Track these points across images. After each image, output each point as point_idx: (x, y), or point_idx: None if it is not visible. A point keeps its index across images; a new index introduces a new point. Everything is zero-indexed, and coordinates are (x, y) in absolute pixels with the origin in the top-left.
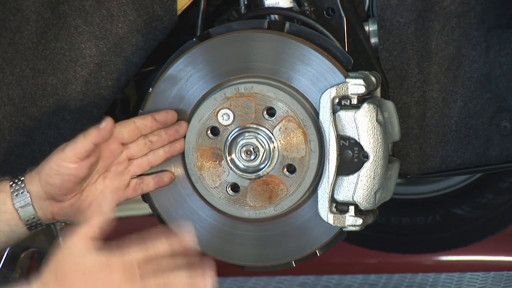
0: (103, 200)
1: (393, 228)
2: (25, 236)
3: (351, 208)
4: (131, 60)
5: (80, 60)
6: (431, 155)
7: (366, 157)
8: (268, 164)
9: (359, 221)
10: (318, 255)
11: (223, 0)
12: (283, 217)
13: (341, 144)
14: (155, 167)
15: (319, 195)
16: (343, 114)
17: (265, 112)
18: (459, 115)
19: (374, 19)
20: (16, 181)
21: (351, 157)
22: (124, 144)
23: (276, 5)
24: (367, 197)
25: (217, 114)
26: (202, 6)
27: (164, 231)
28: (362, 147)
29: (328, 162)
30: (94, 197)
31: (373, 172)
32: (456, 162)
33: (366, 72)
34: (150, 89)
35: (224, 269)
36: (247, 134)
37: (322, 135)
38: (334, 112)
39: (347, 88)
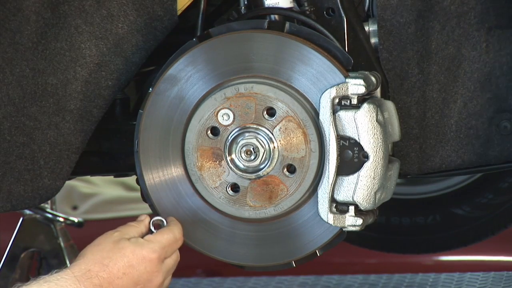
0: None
1: (393, 228)
2: None
3: (351, 208)
4: (131, 60)
5: (80, 60)
6: (431, 155)
7: (366, 157)
8: (268, 164)
9: (359, 221)
10: (318, 255)
11: (223, 0)
12: (283, 217)
13: (341, 144)
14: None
15: (319, 195)
16: (343, 114)
17: (265, 112)
18: (459, 115)
19: (374, 19)
20: None
21: (351, 157)
22: None
23: (276, 5)
24: (367, 197)
25: (217, 114)
26: (202, 6)
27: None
28: (362, 147)
29: (328, 162)
30: None
31: (373, 172)
32: (456, 162)
33: (366, 72)
34: (150, 89)
35: (224, 269)
36: (247, 134)
37: (322, 135)
38: (334, 112)
39: (347, 88)
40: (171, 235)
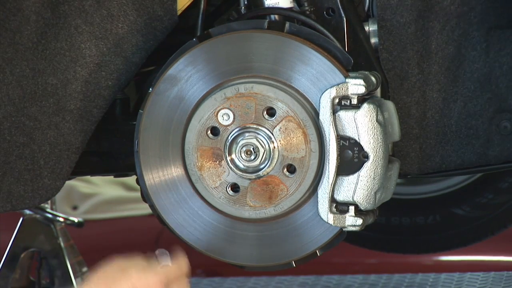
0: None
1: (393, 228)
2: None
3: (351, 208)
4: (131, 60)
5: (80, 60)
6: (431, 155)
7: (366, 157)
8: (268, 164)
9: (359, 221)
10: (318, 255)
11: (223, 0)
12: (283, 217)
13: (341, 144)
14: None
15: (319, 195)
16: (343, 114)
17: (265, 112)
18: (459, 115)
19: (374, 19)
20: None
21: (351, 157)
22: None
23: (276, 5)
24: (367, 197)
25: (217, 114)
26: (202, 6)
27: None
28: (362, 147)
29: (328, 162)
30: None
31: (373, 172)
32: (456, 162)
33: (366, 72)
34: (150, 89)
35: (224, 269)
36: (247, 134)
37: (322, 135)
38: (334, 112)
39: (347, 88)
40: (176, 266)
